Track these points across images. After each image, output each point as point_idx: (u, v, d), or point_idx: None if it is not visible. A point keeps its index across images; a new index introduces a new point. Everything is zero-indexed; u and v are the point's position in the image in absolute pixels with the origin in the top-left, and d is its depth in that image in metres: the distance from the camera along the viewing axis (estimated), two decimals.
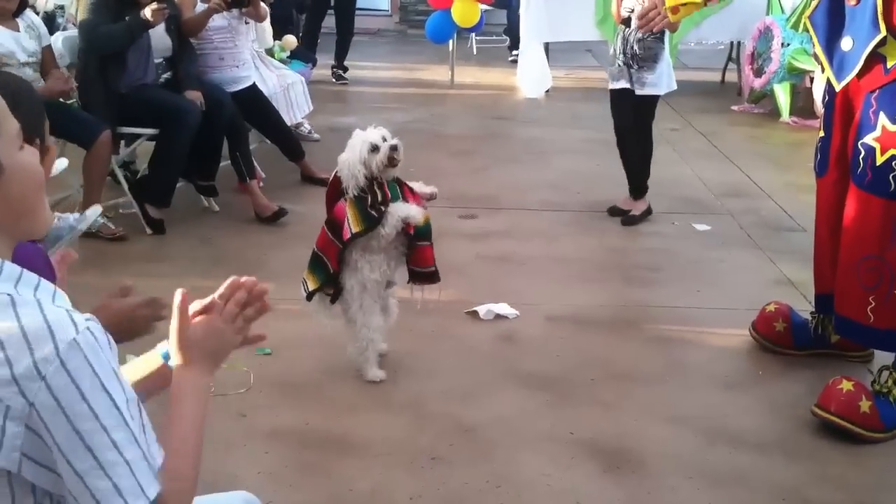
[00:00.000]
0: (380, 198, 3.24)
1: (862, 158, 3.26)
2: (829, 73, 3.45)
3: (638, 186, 5.46)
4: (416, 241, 3.34)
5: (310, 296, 3.40)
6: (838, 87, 3.40)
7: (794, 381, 3.59)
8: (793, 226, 5.36)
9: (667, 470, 3.00)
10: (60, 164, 4.55)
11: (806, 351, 3.75)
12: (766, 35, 7.91)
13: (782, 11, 8.04)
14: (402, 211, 3.24)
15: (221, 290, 1.58)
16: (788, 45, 7.67)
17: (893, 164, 3.18)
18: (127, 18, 4.79)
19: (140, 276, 4.36)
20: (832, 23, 3.40)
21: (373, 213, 3.23)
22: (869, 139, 3.24)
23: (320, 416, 3.25)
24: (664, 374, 3.64)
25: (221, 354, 1.57)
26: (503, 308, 4.11)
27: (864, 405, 3.18)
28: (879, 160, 3.22)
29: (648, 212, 5.46)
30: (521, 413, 3.32)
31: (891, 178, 3.21)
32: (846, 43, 3.33)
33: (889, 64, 3.19)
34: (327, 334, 3.58)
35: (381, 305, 3.46)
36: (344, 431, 3.15)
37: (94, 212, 4.41)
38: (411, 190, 3.40)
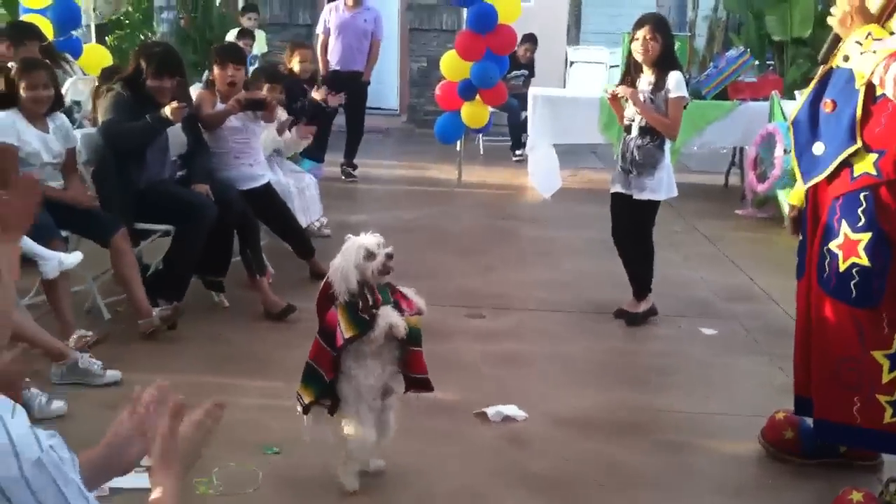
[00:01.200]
0: (371, 302, 3.23)
1: (827, 264, 3.36)
2: (797, 173, 3.56)
3: (640, 287, 5.51)
4: (409, 346, 3.32)
5: (306, 409, 3.35)
6: (804, 188, 3.52)
7: (804, 491, 3.57)
8: None
9: None
10: (75, 257, 4.62)
11: (815, 459, 3.74)
12: (768, 141, 8.06)
13: (784, 118, 8.21)
14: (389, 318, 3.20)
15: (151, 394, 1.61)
16: (789, 151, 7.79)
17: (854, 271, 3.26)
18: (147, 117, 4.91)
19: (149, 372, 4.39)
20: (808, 127, 3.51)
21: (364, 316, 3.20)
22: (833, 245, 3.33)
23: None
24: (673, 481, 3.63)
25: (193, 461, 1.60)
26: (512, 410, 4.12)
27: None
28: (842, 267, 3.30)
29: (652, 312, 5.49)
30: None
31: (852, 285, 3.28)
32: (818, 147, 3.44)
33: (856, 173, 3.29)
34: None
35: (377, 418, 3.36)
36: None
37: (76, 257, 4.51)
38: (403, 295, 3.36)
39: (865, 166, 3.26)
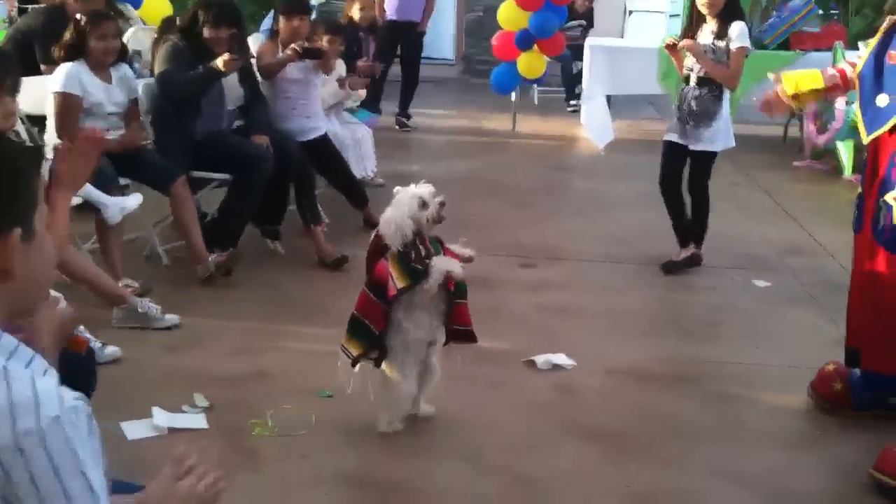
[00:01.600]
0: (423, 253, 3.24)
1: (883, 216, 3.31)
2: (860, 125, 3.50)
3: (695, 238, 5.48)
4: (454, 299, 3.34)
5: (354, 361, 3.36)
6: (866, 140, 3.50)
7: (853, 443, 3.55)
8: None
9: None
10: (135, 199, 4.70)
11: (864, 411, 3.72)
12: None
13: None
14: (445, 265, 3.24)
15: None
16: (852, 102, 7.64)
17: None
18: (200, 68, 4.96)
19: (206, 317, 4.51)
20: (873, 79, 3.45)
21: (418, 266, 3.22)
22: (889, 197, 3.28)
23: (380, 462, 3.30)
24: (723, 432, 3.64)
25: None
26: (561, 358, 4.14)
27: None
28: None
29: (694, 261, 5.46)
30: (580, 467, 3.34)
31: None
32: (882, 99, 3.39)
33: None
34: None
35: (421, 369, 3.42)
36: (403, 478, 3.20)
37: (136, 199, 4.60)
38: (450, 250, 3.39)
39: None
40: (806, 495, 3.21)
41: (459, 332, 3.42)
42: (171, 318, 4.39)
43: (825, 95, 4.17)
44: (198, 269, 4.95)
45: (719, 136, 5.27)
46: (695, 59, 5.18)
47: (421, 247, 3.25)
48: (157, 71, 5.13)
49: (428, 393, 3.52)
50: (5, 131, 3.46)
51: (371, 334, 3.32)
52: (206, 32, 5.04)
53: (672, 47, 5.26)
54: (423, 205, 3.23)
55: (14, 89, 3.58)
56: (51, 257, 1.45)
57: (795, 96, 4.00)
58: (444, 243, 3.37)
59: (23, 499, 1.25)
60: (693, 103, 5.22)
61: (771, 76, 4.17)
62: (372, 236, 3.35)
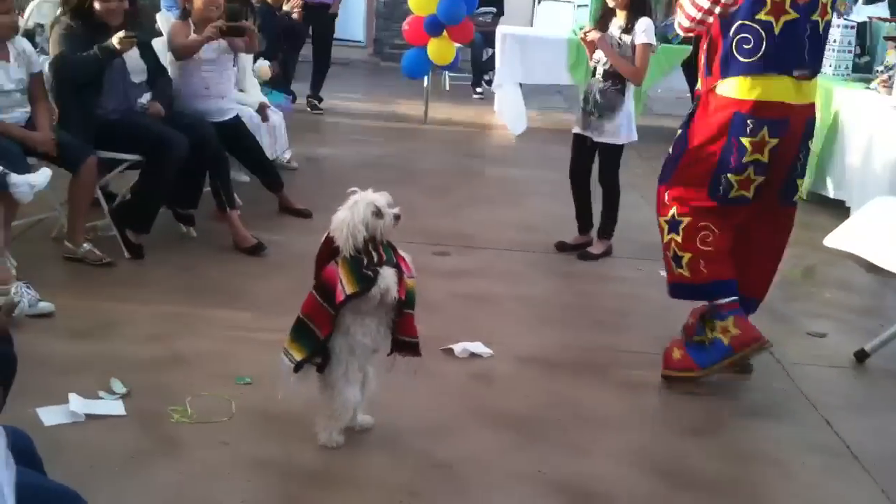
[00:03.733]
0: (375, 259, 3.16)
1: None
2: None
3: (602, 228, 5.67)
4: (404, 308, 3.27)
5: (297, 367, 3.23)
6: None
7: (749, 429, 3.74)
8: None
9: None
10: (44, 175, 4.56)
11: (711, 366, 4.03)
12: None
13: None
14: (387, 281, 3.15)
15: None
16: None
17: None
18: (95, 48, 4.85)
19: (120, 301, 4.46)
20: None
21: (368, 273, 3.13)
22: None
23: (300, 448, 3.32)
24: (631, 419, 3.78)
25: None
26: (478, 347, 4.23)
27: (676, 354, 4.09)
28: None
29: (607, 253, 5.65)
30: (494, 451, 3.43)
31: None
32: None
33: None
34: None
35: (361, 377, 3.36)
36: (324, 464, 3.24)
37: (45, 174, 4.48)
38: (403, 257, 3.29)
39: None
40: (708, 480, 3.36)
41: (405, 343, 3.34)
42: (46, 305, 4.25)
43: None
44: (67, 244, 4.88)
45: (622, 129, 5.44)
46: (604, 53, 5.33)
47: (374, 252, 3.16)
48: (51, 54, 5.01)
49: (364, 403, 3.45)
50: None
51: (315, 339, 3.21)
52: (96, 5, 4.94)
53: (587, 40, 5.40)
54: (378, 213, 3.13)
55: None
56: None
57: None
58: (397, 250, 3.28)
59: None
60: (598, 95, 5.39)
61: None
62: (324, 238, 3.24)
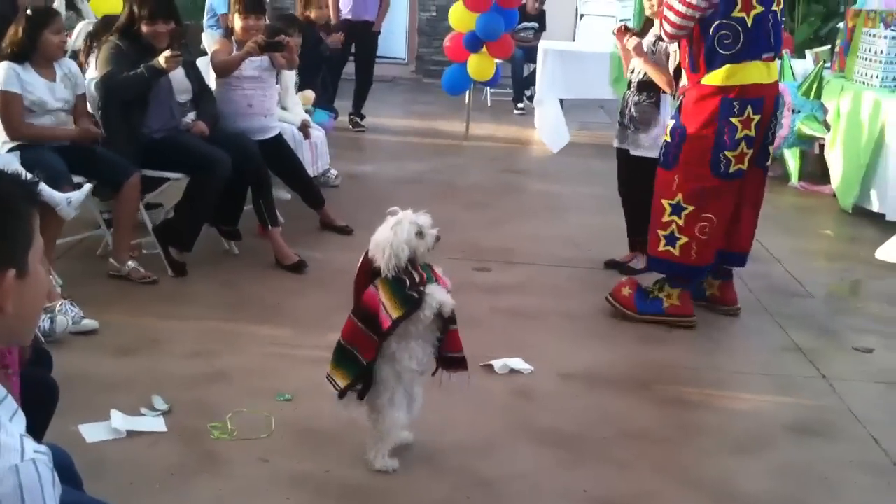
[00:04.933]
0: (417, 279, 3.06)
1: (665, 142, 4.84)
2: None
3: (640, 241, 5.57)
4: (448, 325, 3.18)
5: (342, 394, 3.17)
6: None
7: (800, 447, 3.66)
8: (801, 291, 5.46)
9: None
10: (83, 191, 4.58)
11: (646, 315, 4.75)
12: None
13: (794, 78, 8.20)
14: (440, 295, 3.07)
15: None
16: (799, 111, 7.82)
17: (665, 144, 4.79)
18: (142, 66, 4.91)
19: (162, 318, 4.49)
20: None
21: (413, 294, 3.03)
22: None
23: (340, 465, 3.30)
24: (676, 435, 3.71)
25: None
26: (518, 363, 4.19)
27: (626, 291, 4.81)
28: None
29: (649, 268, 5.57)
30: (536, 469, 3.38)
31: (661, 153, 4.82)
32: None
33: None
34: None
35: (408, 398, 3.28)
36: (363, 481, 3.22)
37: (85, 189, 4.56)
38: (439, 274, 3.22)
39: None
40: (755, 498, 3.29)
41: (452, 359, 3.28)
42: (90, 322, 4.28)
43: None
44: (112, 262, 4.94)
45: (659, 142, 5.35)
46: (640, 61, 5.28)
47: (415, 273, 3.08)
48: (98, 74, 5.09)
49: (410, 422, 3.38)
50: None
51: (359, 364, 3.13)
52: (144, 28, 5.01)
53: (621, 33, 5.34)
54: (420, 234, 3.07)
55: None
56: (42, 290, 1.45)
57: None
58: (434, 267, 3.20)
59: None
60: (633, 109, 5.34)
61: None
62: (361, 259, 3.16)
